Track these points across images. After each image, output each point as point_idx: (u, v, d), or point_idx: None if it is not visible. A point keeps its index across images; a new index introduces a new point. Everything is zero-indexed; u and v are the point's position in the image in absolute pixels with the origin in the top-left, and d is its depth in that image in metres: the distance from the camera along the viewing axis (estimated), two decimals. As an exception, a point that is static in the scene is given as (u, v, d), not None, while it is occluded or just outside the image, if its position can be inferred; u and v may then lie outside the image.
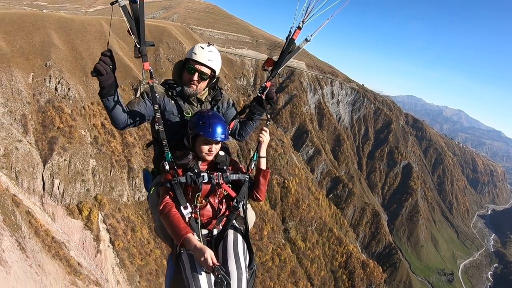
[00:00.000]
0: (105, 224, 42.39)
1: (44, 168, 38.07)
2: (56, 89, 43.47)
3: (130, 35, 2.72)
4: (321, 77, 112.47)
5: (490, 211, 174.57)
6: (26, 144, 37.58)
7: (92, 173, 42.22)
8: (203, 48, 3.04)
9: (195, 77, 3.06)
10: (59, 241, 36.27)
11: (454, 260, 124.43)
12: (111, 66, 2.66)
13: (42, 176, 37.94)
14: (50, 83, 43.32)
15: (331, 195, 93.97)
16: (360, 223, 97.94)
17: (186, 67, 3.09)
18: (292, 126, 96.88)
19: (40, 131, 39.68)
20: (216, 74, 3.19)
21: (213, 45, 3.16)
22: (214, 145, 2.89)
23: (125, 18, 2.65)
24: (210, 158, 2.93)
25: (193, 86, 3.11)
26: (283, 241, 65.58)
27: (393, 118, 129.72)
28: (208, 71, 3.08)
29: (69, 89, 43.75)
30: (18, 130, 38.49)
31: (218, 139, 2.82)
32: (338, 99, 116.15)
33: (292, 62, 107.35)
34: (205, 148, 2.88)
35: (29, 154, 37.31)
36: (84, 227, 39.86)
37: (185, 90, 3.12)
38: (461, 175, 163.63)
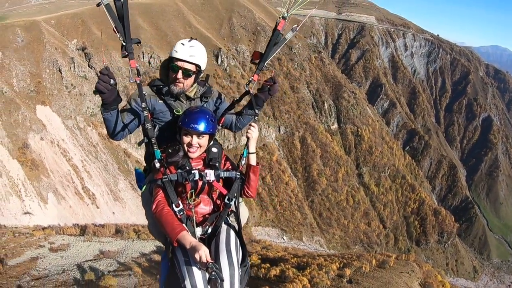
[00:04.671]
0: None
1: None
2: (149, 62, 52.32)
3: (116, 33, 2.66)
4: (392, 30, 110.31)
5: None
6: (132, 108, 47.08)
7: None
8: (183, 45, 2.97)
9: (179, 74, 2.97)
10: None
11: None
12: (111, 83, 2.66)
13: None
14: (143, 58, 52.10)
15: (407, 147, 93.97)
16: (437, 175, 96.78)
17: (170, 66, 3.02)
18: (366, 80, 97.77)
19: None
20: (202, 69, 3.09)
21: (195, 39, 3.08)
22: (194, 138, 2.82)
23: (109, 17, 2.59)
24: (192, 152, 2.86)
25: (179, 84, 3.03)
26: (357, 185, 70.33)
27: (472, 68, 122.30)
28: (192, 67, 2.98)
29: (160, 61, 51.26)
30: (124, 100, 48.06)
31: (194, 129, 2.76)
32: (411, 51, 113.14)
33: (361, 17, 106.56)
34: (185, 140, 2.84)
35: (134, 115, 46.65)
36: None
37: (172, 89, 3.05)
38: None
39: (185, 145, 2.87)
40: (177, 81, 3.03)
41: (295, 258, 14.80)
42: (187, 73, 3.00)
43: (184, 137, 2.86)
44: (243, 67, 64.85)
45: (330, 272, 11.36)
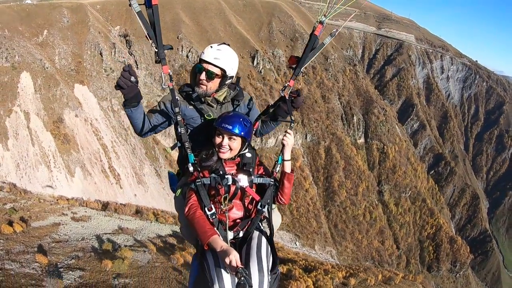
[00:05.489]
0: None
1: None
2: (187, 56, 53.80)
3: (148, 40, 2.74)
4: (430, 51, 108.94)
5: None
6: (164, 98, 48.16)
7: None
8: (211, 47, 3.02)
9: (202, 76, 3.01)
10: None
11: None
12: (132, 79, 2.71)
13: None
14: (182, 52, 53.64)
15: (432, 171, 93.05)
16: (458, 204, 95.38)
17: (196, 67, 3.09)
18: (399, 99, 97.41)
19: (175, 89, 50.87)
20: (227, 73, 3.05)
21: (228, 45, 3.09)
22: (225, 139, 2.82)
23: (141, 24, 2.66)
24: (222, 153, 2.86)
25: (202, 86, 3.06)
26: (376, 202, 70.15)
27: (507, 99, 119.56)
28: (216, 70, 2.99)
29: (198, 56, 53.17)
30: (157, 88, 48.21)
31: (225, 128, 2.77)
32: (448, 75, 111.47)
33: (401, 35, 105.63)
34: (217, 140, 2.84)
35: (167, 106, 47.72)
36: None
37: (196, 90, 3.09)
38: None
39: (216, 146, 2.89)
40: (201, 82, 3.07)
41: (303, 261, 15.34)
42: (210, 75, 3.02)
43: (216, 137, 2.87)
44: (277, 71, 65.82)
45: (335, 278, 11.73)
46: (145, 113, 3.06)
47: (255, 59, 62.67)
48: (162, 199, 41.13)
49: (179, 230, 15.95)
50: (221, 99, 3.20)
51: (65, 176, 34.02)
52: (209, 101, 3.17)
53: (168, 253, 10.46)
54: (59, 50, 41.23)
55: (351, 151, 67.64)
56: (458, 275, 77.64)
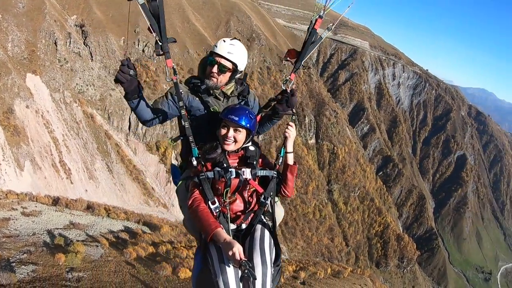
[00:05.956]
0: (177, 160, 51.41)
1: (131, 112, 42.50)
2: (143, 50, 52.94)
3: (151, 32, 2.75)
4: (383, 58, 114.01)
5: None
6: (118, 92, 45.49)
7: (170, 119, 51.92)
8: (224, 42, 3.07)
9: (214, 69, 3.06)
10: (139, 169, 44.81)
11: (496, 261, 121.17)
12: (131, 73, 2.75)
13: (129, 118, 46.06)
14: (138, 46, 52.73)
15: (381, 172, 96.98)
16: (405, 203, 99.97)
17: (208, 59, 3.14)
18: (350, 102, 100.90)
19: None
20: (238, 68, 3.14)
21: (239, 40, 3.16)
22: (231, 130, 2.85)
23: (144, 16, 2.67)
24: (227, 145, 2.88)
25: (213, 78, 3.10)
26: (326, 200, 72.60)
27: (454, 107, 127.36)
28: (228, 64, 3.06)
29: (154, 51, 53.12)
30: (111, 81, 46.62)
31: (231, 119, 2.80)
32: (399, 81, 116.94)
33: (356, 41, 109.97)
34: (222, 131, 2.87)
35: (120, 100, 45.05)
36: (159, 161, 48.34)
37: (206, 82, 3.12)
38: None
39: (221, 138, 2.90)
40: (211, 75, 3.10)
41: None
42: (222, 69, 3.07)
43: (221, 129, 2.89)
44: (233, 69, 66.36)
45: (285, 272, 12.13)
46: (148, 103, 3.11)
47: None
48: (114, 195, 40.39)
49: (142, 226, 16.31)
50: (228, 92, 3.26)
51: (14, 170, 32.44)
52: (216, 94, 3.23)
53: (121, 247, 10.52)
54: (13, 37, 39.27)
55: (302, 151, 69.56)
56: (405, 270, 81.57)
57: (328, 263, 21.36)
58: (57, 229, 10.80)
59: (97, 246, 9.92)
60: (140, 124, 41.81)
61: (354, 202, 77.34)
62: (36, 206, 13.22)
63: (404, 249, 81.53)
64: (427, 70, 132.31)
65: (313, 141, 75.44)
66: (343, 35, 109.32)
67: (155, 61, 52.85)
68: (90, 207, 16.47)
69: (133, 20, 54.99)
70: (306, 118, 73.97)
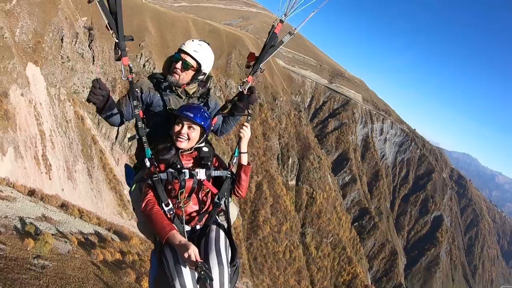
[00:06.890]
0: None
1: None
2: (144, 65, 54.61)
3: (109, 30, 2.76)
4: (374, 112, 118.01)
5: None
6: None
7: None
8: (193, 41, 3.10)
9: (178, 65, 3.06)
10: (118, 180, 44.93)
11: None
12: (103, 94, 2.77)
13: (118, 129, 46.23)
14: (140, 60, 54.49)
15: (356, 223, 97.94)
16: (377, 257, 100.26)
17: (173, 56, 3.13)
18: (336, 151, 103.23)
19: (123, 93, 50.69)
20: (202, 68, 3.13)
21: (208, 43, 3.20)
22: (185, 127, 2.82)
23: (102, 14, 2.68)
24: (180, 142, 2.83)
25: (175, 75, 3.10)
26: (298, 242, 73.39)
27: (437, 168, 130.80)
28: (192, 62, 3.07)
29: (154, 68, 53.88)
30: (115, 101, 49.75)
31: (186, 115, 2.77)
32: (386, 137, 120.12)
33: (350, 92, 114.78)
34: (176, 128, 2.84)
35: (112, 109, 47.09)
36: (139, 178, 49.63)
37: (168, 78, 3.12)
38: (495, 244, 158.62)
39: (174, 135, 2.85)
40: (175, 71, 3.10)
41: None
42: (186, 66, 3.07)
43: (175, 125, 2.85)
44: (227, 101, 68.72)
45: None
46: (117, 111, 3.13)
47: (208, 84, 65.36)
48: (89, 199, 40.01)
49: (112, 234, 16.40)
50: (191, 92, 3.24)
51: (-4, 153, 32.82)
52: (179, 92, 3.20)
53: (89, 248, 10.65)
54: (22, 24, 39.64)
55: (281, 191, 71.17)
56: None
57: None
58: (29, 218, 10.82)
59: (66, 242, 9.98)
60: (127, 136, 42.43)
61: (325, 248, 78.05)
62: (12, 192, 13.31)
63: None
64: (415, 129, 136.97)
65: (293, 182, 77.29)
66: (338, 84, 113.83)
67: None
68: (64, 206, 16.60)
69: (140, 34, 57.04)
70: (290, 159, 76.29)
